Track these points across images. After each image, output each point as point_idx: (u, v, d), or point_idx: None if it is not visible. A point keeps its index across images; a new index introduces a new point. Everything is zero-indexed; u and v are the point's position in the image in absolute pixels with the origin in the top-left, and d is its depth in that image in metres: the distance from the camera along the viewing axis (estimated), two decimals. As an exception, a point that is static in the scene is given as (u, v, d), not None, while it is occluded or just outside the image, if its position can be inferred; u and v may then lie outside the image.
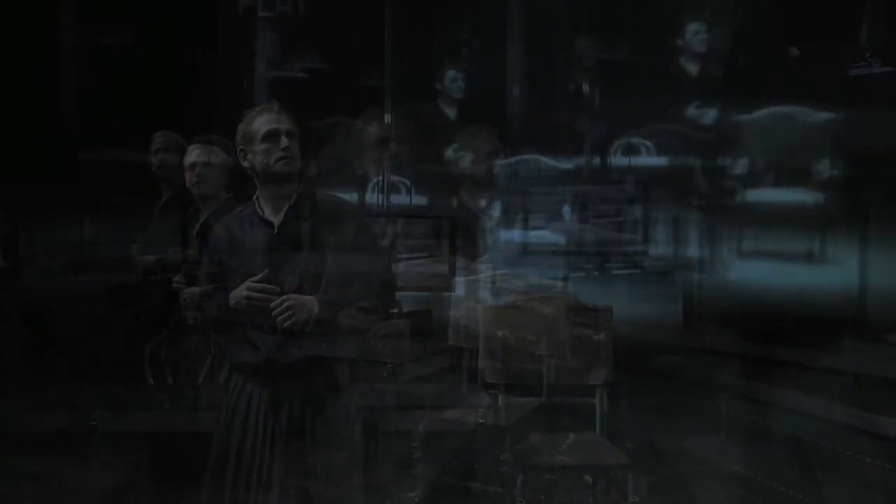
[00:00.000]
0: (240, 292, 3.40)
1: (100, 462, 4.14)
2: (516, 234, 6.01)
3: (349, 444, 3.53)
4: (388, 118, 4.94)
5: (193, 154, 4.64)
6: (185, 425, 4.14)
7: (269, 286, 3.36)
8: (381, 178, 5.38)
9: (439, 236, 5.08)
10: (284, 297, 3.35)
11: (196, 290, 4.27)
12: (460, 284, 4.92)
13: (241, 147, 3.50)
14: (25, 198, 5.50)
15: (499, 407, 4.31)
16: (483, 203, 5.92)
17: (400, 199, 5.69)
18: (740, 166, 5.95)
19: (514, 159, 6.23)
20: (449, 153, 6.03)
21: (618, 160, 6.39)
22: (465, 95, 6.48)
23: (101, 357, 4.82)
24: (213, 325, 3.82)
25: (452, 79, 6.36)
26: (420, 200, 5.87)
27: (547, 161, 6.36)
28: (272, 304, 3.34)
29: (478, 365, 4.45)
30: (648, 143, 6.44)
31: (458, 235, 5.12)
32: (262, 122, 3.47)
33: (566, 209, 6.07)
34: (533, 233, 5.95)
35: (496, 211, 6.00)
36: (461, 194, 5.82)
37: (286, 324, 3.34)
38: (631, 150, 6.43)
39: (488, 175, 6.08)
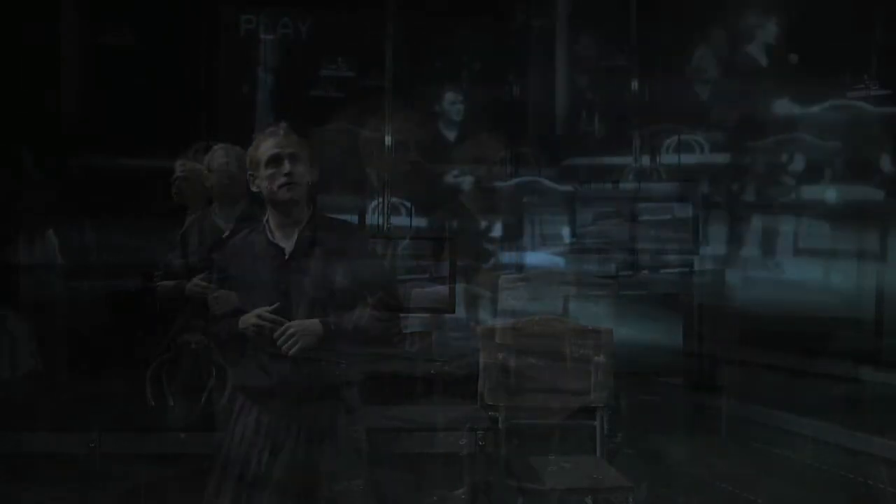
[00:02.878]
0: (248, 318, 3.38)
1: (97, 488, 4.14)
2: (519, 254, 6.03)
3: (357, 466, 3.50)
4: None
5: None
6: (188, 447, 4.13)
7: (276, 317, 3.31)
8: (381, 199, 5.43)
9: (440, 258, 5.10)
10: (287, 324, 3.32)
11: (170, 283, 4.37)
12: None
13: (250, 172, 3.47)
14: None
15: (499, 429, 4.30)
16: (484, 223, 5.94)
17: (400, 221, 5.73)
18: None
19: (514, 181, 6.25)
20: (451, 174, 6.06)
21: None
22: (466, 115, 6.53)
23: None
24: (223, 348, 3.79)
25: (452, 101, 6.40)
26: (420, 222, 5.90)
27: (548, 183, 6.38)
28: (276, 333, 3.32)
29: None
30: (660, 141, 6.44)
31: (458, 257, 5.13)
32: (266, 146, 3.42)
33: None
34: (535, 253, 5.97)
35: (497, 231, 6.02)
36: (463, 211, 5.85)
37: (290, 351, 3.31)
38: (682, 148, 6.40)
39: (491, 192, 6.11)
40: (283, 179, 3.37)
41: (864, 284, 5.33)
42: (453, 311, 5.04)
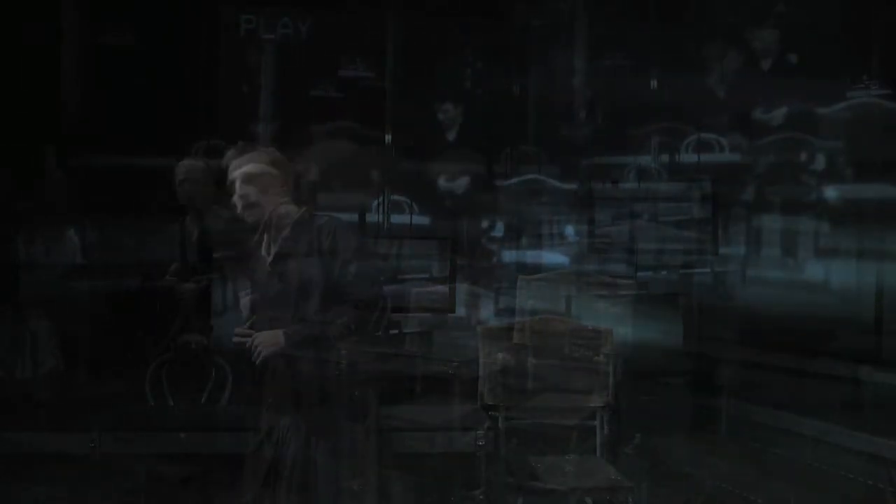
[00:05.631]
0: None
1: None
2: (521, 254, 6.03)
3: (364, 467, 3.52)
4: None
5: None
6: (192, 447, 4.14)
7: (246, 330, 3.45)
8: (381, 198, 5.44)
9: (440, 257, 5.10)
10: (253, 336, 3.40)
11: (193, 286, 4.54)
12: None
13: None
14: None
15: (498, 429, 4.30)
16: (484, 223, 5.95)
17: (401, 219, 5.73)
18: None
19: (516, 179, 6.26)
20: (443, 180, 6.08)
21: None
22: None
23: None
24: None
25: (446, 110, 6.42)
26: (421, 221, 5.90)
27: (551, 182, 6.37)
28: (246, 345, 3.41)
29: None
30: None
31: (459, 256, 5.14)
32: (231, 168, 3.44)
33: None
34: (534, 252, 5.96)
35: (499, 231, 6.03)
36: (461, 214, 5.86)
37: (257, 361, 3.39)
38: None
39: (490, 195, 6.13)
40: (239, 203, 3.40)
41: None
42: (453, 311, 5.05)
